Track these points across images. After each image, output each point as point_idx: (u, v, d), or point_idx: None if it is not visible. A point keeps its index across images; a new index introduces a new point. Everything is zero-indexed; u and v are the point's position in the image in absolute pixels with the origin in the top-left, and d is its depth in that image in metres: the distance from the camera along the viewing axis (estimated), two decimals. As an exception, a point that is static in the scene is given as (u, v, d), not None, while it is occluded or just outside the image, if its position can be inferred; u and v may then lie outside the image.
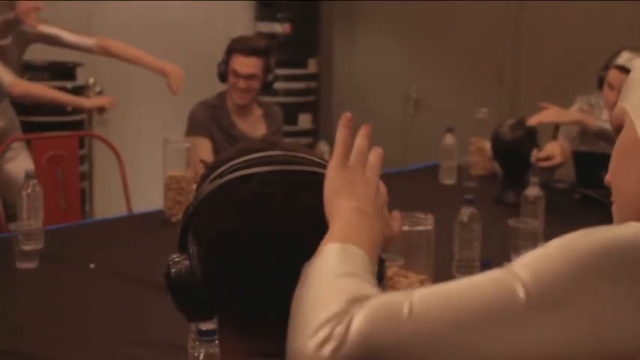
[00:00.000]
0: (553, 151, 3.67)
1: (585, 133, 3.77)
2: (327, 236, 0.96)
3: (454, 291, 0.85)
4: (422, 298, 0.85)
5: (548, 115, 3.66)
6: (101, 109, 3.73)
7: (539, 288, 0.84)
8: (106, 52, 3.87)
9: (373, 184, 1.02)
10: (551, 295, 0.84)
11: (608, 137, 3.59)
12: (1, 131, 3.81)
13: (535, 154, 3.57)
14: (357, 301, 0.85)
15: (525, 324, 0.83)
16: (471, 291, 0.85)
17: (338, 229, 0.96)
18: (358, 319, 0.83)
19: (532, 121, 3.61)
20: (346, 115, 1.04)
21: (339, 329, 0.83)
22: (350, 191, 1.00)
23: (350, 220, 0.97)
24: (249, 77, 3.64)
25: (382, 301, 0.85)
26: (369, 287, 0.88)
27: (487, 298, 0.84)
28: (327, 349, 0.82)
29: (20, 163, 3.71)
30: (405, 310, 0.83)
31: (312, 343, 0.83)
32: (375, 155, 1.04)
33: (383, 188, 1.04)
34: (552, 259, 0.86)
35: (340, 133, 1.03)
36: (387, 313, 0.83)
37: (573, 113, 3.70)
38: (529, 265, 0.86)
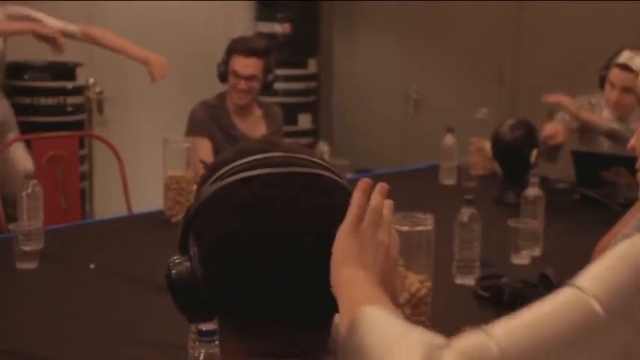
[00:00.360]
0: (555, 129, 3.69)
1: (585, 133, 3.78)
2: (348, 306, 0.94)
3: (534, 322, 0.86)
4: (506, 335, 0.85)
5: (566, 99, 3.68)
6: (50, 41, 3.65)
7: (614, 299, 0.84)
8: (90, 39, 3.85)
9: (383, 247, 1.01)
10: (628, 303, 0.84)
11: (617, 137, 3.60)
12: None
13: (542, 134, 3.60)
14: (436, 349, 0.84)
15: (610, 337, 0.83)
16: (551, 318, 0.85)
17: (358, 297, 0.94)
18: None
19: (550, 98, 3.65)
20: (365, 181, 1.02)
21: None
22: (358, 259, 0.98)
23: (364, 287, 0.96)
24: (249, 78, 3.64)
25: (467, 344, 0.85)
26: (436, 336, 0.87)
27: (569, 322, 0.84)
28: None
29: (18, 153, 3.74)
30: (494, 349, 0.84)
31: None
32: (387, 210, 1.03)
33: (395, 242, 1.03)
34: (617, 269, 0.86)
35: (356, 196, 1.01)
36: (478, 356, 0.83)
37: (585, 112, 3.71)
38: (596, 278, 0.86)
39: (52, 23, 3.79)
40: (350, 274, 0.97)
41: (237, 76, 3.64)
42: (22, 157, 3.79)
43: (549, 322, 0.85)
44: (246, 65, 3.63)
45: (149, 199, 3.73)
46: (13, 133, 3.91)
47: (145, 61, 3.76)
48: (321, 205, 1.00)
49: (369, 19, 6.31)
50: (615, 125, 3.61)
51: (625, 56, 3.54)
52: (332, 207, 1.01)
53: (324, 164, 1.05)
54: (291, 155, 1.03)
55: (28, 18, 3.77)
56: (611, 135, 3.62)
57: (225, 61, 3.69)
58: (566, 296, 0.87)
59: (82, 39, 3.85)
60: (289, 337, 1.02)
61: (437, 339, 0.86)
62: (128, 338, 2.09)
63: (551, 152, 3.73)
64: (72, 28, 3.81)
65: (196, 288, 1.01)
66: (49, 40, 3.62)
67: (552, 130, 3.68)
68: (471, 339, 0.86)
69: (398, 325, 0.89)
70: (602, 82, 3.67)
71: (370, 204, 1.01)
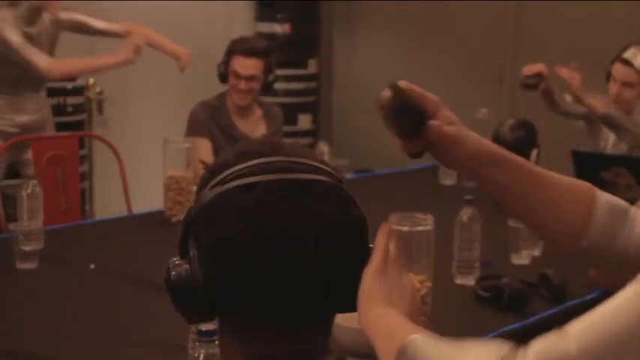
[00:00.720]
0: (537, 68, 3.73)
1: (590, 125, 3.79)
2: (389, 339, 0.98)
3: (606, 317, 0.88)
4: (579, 334, 0.87)
5: (576, 81, 3.68)
6: (137, 52, 3.71)
7: None
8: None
9: (408, 289, 1.05)
10: None
11: (613, 122, 3.61)
12: (37, 125, 3.83)
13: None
14: (509, 354, 0.87)
15: None
16: (622, 312, 0.87)
17: (399, 328, 0.99)
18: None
19: (562, 71, 3.67)
20: (387, 226, 1.06)
21: None
22: (387, 299, 1.02)
23: (402, 320, 1.00)
24: (249, 78, 3.64)
25: (544, 345, 0.87)
26: (499, 344, 0.90)
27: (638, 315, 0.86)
28: None
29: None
30: (572, 347, 0.86)
31: None
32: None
33: (415, 288, 1.08)
34: None
35: (380, 240, 1.05)
36: (558, 356, 0.86)
37: (589, 97, 3.70)
38: None
39: (98, 24, 3.87)
40: (381, 312, 1.01)
41: (238, 76, 3.64)
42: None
43: (621, 318, 0.87)
44: (246, 66, 3.63)
45: (149, 199, 3.73)
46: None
47: (175, 55, 3.81)
48: (322, 210, 1.00)
49: (369, 19, 6.31)
50: (613, 111, 3.61)
51: (629, 52, 3.57)
52: (333, 211, 1.01)
53: (325, 168, 1.04)
54: (291, 160, 1.03)
55: (75, 23, 3.83)
56: (607, 120, 3.62)
57: (226, 62, 3.69)
58: (634, 291, 0.88)
59: (127, 36, 3.88)
60: (290, 338, 1.02)
61: (503, 346, 0.89)
62: (128, 338, 2.09)
63: (529, 79, 3.76)
64: (116, 27, 3.88)
65: (196, 290, 1.01)
66: (136, 54, 3.69)
67: (531, 68, 3.74)
68: (547, 340, 0.88)
69: (455, 345, 0.93)
70: (608, 76, 3.68)
71: (392, 249, 1.05)
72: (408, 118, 1.13)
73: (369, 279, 1.02)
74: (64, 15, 3.82)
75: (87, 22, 3.86)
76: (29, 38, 3.64)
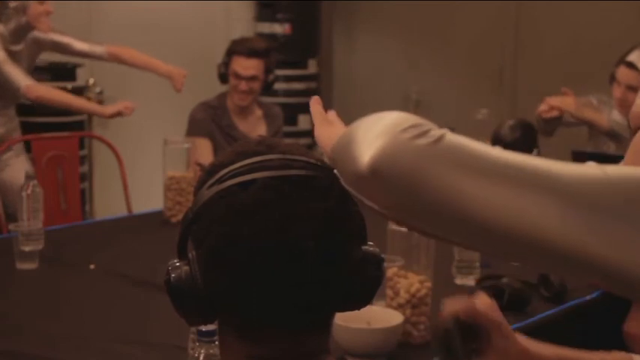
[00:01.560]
0: (549, 104, 3.71)
1: (593, 131, 3.78)
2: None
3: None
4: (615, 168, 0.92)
5: (567, 103, 3.67)
6: (118, 114, 3.71)
7: None
8: (117, 59, 3.91)
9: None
10: None
11: (619, 138, 3.59)
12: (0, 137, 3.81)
13: (538, 109, 3.62)
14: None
15: None
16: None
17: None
18: (455, 135, 0.91)
19: (552, 101, 3.65)
20: (314, 98, 1.16)
21: (435, 131, 0.90)
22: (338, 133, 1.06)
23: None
24: (250, 79, 3.65)
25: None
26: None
27: None
28: (425, 140, 0.89)
29: (16, 168, 3.71)
30: (600, 172, 0.90)
31: (403, 136, 0.89)
32: None
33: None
34: None
35: (313, 109, 1.14)
36: (593, 173, 0.90)
37: (589, 112, 3.70)
38: None
39: (79, 46, 3.85)
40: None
41: (238, 77, 3.64)
42: (22, 170, 3.79)
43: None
44: (246, 66, 3.63)
45: (149, 199, 3.73)
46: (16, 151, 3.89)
47: (169, 75, 3.81)
48: (320, 206, 1.00)
49: (369, 19, 6.31)
50: (617, 127, 3.60)
51: (634, 55, 3.54)
52: (331, 208, 1.01)
53: (322, 165, 1.05)
54: (288, 157, 1.03)
55: (54, 43, 3.81)
56: (612, 135, 3.62)
57: (226, 63, 3.70)
58: None
59: (109, 59, 3.92)
60: (290, 338, 1.02)
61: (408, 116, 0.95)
62: (128, 338, 2.09)
63: (548, 125, 3.74)
64: (98, 50, 3.88)
65: (195, 292, 1.01)
66: (115, 116, 3.69)
67: (546, 105, 3.70)
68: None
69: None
70: (612, 79, 3.66)
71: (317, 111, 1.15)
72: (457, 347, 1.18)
73: (320, 129, 1.09)
74: (54, 36, 3.80)
75: (68, 43, 3.84)
76: (12, 56, 3.63)
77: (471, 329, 1.18)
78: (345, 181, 0.96)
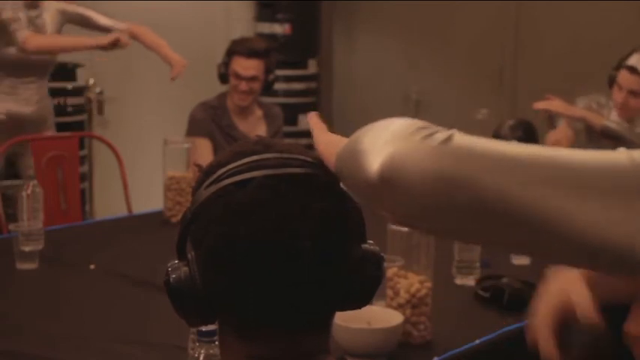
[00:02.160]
0: (558, 137, 3.69)
1: (592, 131, 3.78)
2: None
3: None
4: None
5: (555, 104, 3.67)
6: (115, 43, 3.68)
7: None
8: (134, 37, 3.91)
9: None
10: None
11: (612, 136, 3.59)
12: (36, 118, 3.87)
13: (546, 143, 3.60)
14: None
15: None
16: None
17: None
18: (464, 135, 0.89)
19: (539, 105, 3.63)
20: (312, 114, 1.14)
21: (443, 133, 0.89)
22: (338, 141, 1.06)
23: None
24: (250, 79, 3.65)
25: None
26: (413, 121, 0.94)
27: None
28: (437, 138, 0.88)
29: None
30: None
31: (413, 138, 0.88)
32: None
33: None
34: None
35: (312, 122, 1.11)
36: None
37: (579, 109, 3.69)
38: None
39: (103, 21, 3.89)
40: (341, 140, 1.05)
41: (239, 77, 3.64)
42: None
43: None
44: (247, 67, 3.63)
45: (149, 199, 3.73)
46: (50, 132, 3.98)
47: (170, 62, 3.79)
48: (318, 204, 1.00)
49: (369, 19, 6.31)
50: (610, 124, 3.59)
51: (635, 58, 3.51)
52: (327, 206, 1.01)
53: (320, 164, 1.05)
54: (286, 156, 1.03)
55: (80, 16, 3.87)
56: (606, 132, 3.61)
57: (226, 63, 3.70)
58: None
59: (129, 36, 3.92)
60: (288, 339, 1.02)
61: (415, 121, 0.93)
62: (128, 338, 2.09)
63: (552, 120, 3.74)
64: (120, 26, 3.89)
65: (195, 292, 1.01)
66: (112, 45, 3.66)
67: (554, 138, 3.68)
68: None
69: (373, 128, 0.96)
70: (611, 82, 3.64)
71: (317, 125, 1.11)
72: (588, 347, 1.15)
73: (321, 136, 1.07)
74: (70, 7, 3.87)
75: (92, 17, 3.89)
76: (31, 22, 3.70)
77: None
78: (355, 192, 0.95)
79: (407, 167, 0.88)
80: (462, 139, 0.89)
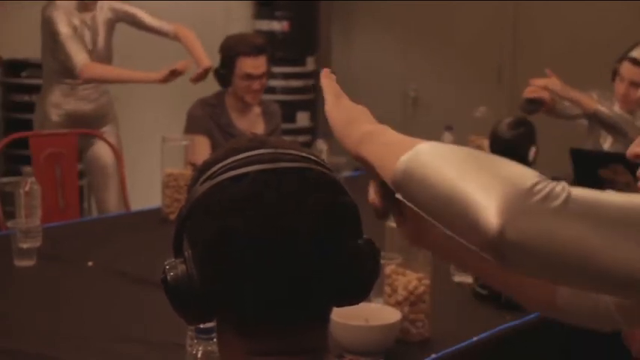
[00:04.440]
0: (541, 86, 3.72)
1: (592, 126, 3.78)
2: (392, 150, 0.98)
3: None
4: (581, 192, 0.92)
5: (552, 82, 3.68)
6: (169, 79, 3.70)
7: None
8: (177, 39, 3.99)
9: (362, 108, 1.12)
10: None
11: (603, 121, 3.60)
12: (96, 115, 3.95)
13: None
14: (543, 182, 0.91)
15: None
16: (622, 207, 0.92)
17: (398, 140, 1.01)
18: (575, 189, 0.90)
19: (538, 82, 3.65)
20: (325, 70, 1.16)
21: (559, 188, 0.89)
22: (359, 118, 1.09)
23: (394, 133, 1.04)
24: (261, 76, 3.65)
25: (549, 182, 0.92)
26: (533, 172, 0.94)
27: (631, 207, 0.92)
28: (555, 202, 0.88)
29: (104, 146, 3.91)
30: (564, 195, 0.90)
31: (532, 200, 0.88)
32: None
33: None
34: None
35: (325, 83, 1.15)
36: (550, 190, 0.90)
37: (574, 91, 3.70)
38: None
39: (149, 21, 3.97)
40: (367, 129, 1.06)
41: (251, 77, 3.63)
42: (105, 151, 3.94)
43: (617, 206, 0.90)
44: (257, 65, 3.63)
45: (147, 196, 3.73)
46: (109, 127, 4.04)
47: (199, 63, 3.83)
48: (313, 198, 1.00)
49: (368, 16, 6.31)
50: (603, 109, 3.60)
51: (638, 51, 3.54)
52: (322, 200, 1.01)
53: (313, 158, 1.05)
54: (280, 151, 1.03)
55: (131, 15, 3.95)
56: (597, 117, 3.61)
57: (229, 65, 3.65)
58: None
59: (173, 38, 4.00)
60: (287, 335, 1.02)
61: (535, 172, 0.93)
62: (126, 336, 2.09)
63: (530, 105, 3.75)
64: (167, 27, 3.99)
65: (193, 290, 1.01)
66: (167, 79, 3.68)
67: (542, 83, 3.72)
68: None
69: (482, 156, 0.96)
70: (614, 75, 3.66)
71: (329, 86, 1.15)
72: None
73: (333, 111, 1.09)
74: (120, 6, 3.93)
75: (141, 16, 3.96)
76: (83, 25, 3.77)
77: None
78: (457, 234, 0.94)
79: (528, 231, 0.88)
80: (578, 197, 0.90)
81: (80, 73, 3.67)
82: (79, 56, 3.66)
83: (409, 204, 0.96)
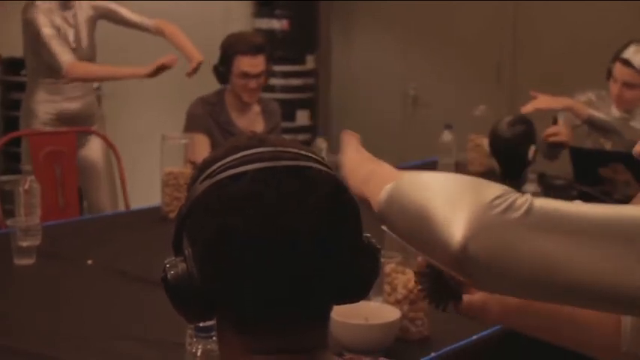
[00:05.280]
0: (559, 129, 3.70)
1: (592, 128, 3.78)
2: (382, 181, 1.03)
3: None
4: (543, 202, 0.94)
5: (540, 101, 3.68)
6: (157, 73, 3.69)
7: None
8: (160, 34, 3.98)
9: (384, 164, 1.14)
10: None
11: (597, 125, 3.61)
12: (82, 115, 3.93)
13: (545, 133, 3.61)
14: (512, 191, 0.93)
15: None
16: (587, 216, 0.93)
17: (389, 173, 1.07)
18: (539, 199, 0.91)
19: (526, 108, 3.65)
20: (345, 131, 1.20)
21: (521, 200, 0.90)
22: (371, 160, 1.14)
23: (391, 168, 1.09)
24: (258, 75, 3.65)
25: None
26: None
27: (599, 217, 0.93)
28: (515, 214, 0.89)
29: (94, 145, 3.91)
30: (527, 204, 0.92)
31: (492, 212, 0.89)
32: None
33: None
34: None
35: (347, 137, 1.19)
36: (513, 201, 0.92)
37: (564, 99, 3.70)
38: None
39: (130, 16, 3.96)
40: (372, 167, 1.10)
41: (248, 76, 3.63)
42: (95, 151, 3.96)
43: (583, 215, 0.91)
44: (255, 64, 3.63)
45: (147, 195, 3.73)
46: (96, 127, 4.04)
47: (189, 58, 3.82)
48: (313, 196, 1.00)
49: (367, 15, 6.31)
50: (596, 113, 3.60)
51: (630, 51, 3.54)
52: (322, 199, 1.01)
53: (313, 156, 1.04)
54: (280, 149, 1.03)
55: (112, 11, 3.94)
56: (591, 122, 3.61)
57: (226, 63, 3.66)
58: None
59: (155, 33, 3.99)
60: (287, 334, 1.02)
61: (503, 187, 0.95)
62: (125, 334, 2.09)
63: (551, 150, 3.74)
64: (148, 22, 3.97)
65: (193, 288, 1.01)
66: (155, 73, 3.68)
67: (554, 129, 3.69)
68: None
69: (449, 177, 0.98)
70: (608, 75, 3.66)
71: (352, 143, 1.19)
72: (440, 289, 1.22)
73: (355, 164, 1.12)
74: (101, 2, 3.93)
75: (122, 13, 3.95)
76: (65, 23, 3.76)
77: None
78: (428, 254, 0.97)
79: (489, 242, 0.89)
80: (540, 208, 0.91)
81: (66, 73, 3.66)
82: (64, 56, 3.65)
83: (392, 233, 1.00)
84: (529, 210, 0.90)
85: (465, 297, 1.21)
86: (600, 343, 1.23)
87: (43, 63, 3.75)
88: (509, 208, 0.90)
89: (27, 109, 3.89)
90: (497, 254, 0.89)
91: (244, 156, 1.01)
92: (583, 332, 1.23)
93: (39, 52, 3.71)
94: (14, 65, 4.83)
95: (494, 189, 0.92)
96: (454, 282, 1.20)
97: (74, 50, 3.78)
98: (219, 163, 1.02)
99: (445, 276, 1.21)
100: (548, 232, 0.89)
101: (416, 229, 0.95)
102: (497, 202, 0.90)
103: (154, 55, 3.86)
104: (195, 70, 3.76)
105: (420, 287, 1.22)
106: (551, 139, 3.68)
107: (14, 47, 4.35)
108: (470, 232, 0.89)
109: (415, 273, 1.21)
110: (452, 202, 0.92)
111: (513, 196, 0.91)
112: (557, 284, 0.90)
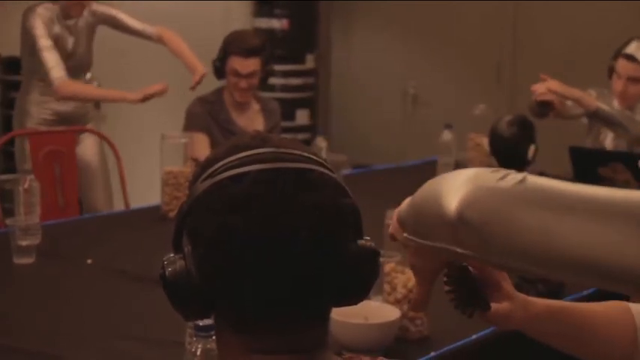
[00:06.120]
0: (547, 85, 3.70)
1: (592, 125, 3.79)
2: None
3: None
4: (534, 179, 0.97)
5: (553, 83, 3.68)
6: (145, 100, 3.70)
7: None
8: (162, 43, 3.97)
9: None
10: None
11: (604, 118, 3.61)
12: (77, 114, 3.93)
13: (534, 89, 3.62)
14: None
15: None
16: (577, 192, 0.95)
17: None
18: (534, 176, 0.94)
19: (538, 87, 3.65)
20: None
21: (518, 174, 0.94)
22: None
23: None
24: (249, 75, 3.64)
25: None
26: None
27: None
28: (511, 181, 0.93)
29: (88, 145, 3.91)
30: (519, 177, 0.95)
31: (488, 180, 0.94)
32: None
33: None
34: None
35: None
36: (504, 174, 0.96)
37: (574, 89, 3.70)
38: None
39: (132, 23, 3.95)
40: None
41: (238, 75, 3.63)
42: (94, 146, 3.97)
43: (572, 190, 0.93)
44: (246, 65, 3.62)
45: (146, 194, 3.73)
46: (90, 126, 4.04)
47: (192, 70, 3.81)
48: (313, 198, 1.00)
49: (367, 14, 6.31)
50: (604, 106, 3.60)
51: (632, 47, 3.55)
52: (323, 201, 1.01)
53: (315, 158, 1.04)
54: (282, 151, 1.02)
55: (112, 17, 3.93)
56: (598, 115, 3.61)
57: (222, 59, 3.68)
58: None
59: (156, 41, 3.98)
60: (286, 334, 1.02)
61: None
62: (125, 333, 2.09)
63: (541, 109, 3.75)
64: (149, 30, 3.96)
65: (191, 286, 1.01)
66: (143, 101, 3.69)
67: (543, 87, 3.70)
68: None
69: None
70: (610, 72, 3.67)
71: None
72: (469, 295, 1.22)
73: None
74: (101, 8, 3.91)
75: (123, 19, 3.94)
76: (65, 31, 3.76)
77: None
78: (432, 233, 1.00)
79: (482, 206, 0.93)
80: (533, 182, 0.94)
81: (56, 90, 3.65)
82: (57, 73, 3.63)
83: (412, 237, 1.05)
84: (523, 180, 0.94)
85: (493, 305, 1.22)
86: (620, 355, 1.24)
87: (39, 64, 3.74)
88: (505, 177, 0.94)
89: (20, 109, 3.88)
90: (489, 219, 0.93)
91: (246, 156, 1.01)
92: (605, 345, 1.25)
93: (35, 55, 3.71)
94: (14, 65, 4.82)
95: (493, 168, 0.97)
96: (483, 292, 1.21)
97: (70, 55, 3.76)
98: (221, 163, 1.02)
99: (475, 283, 1.22)
100: (539, 201, 0.92)
101: (424, 206, 1.01)
102: (494, 174, 0.95)
103: (153, 59, 3.88)
104: (198, 83, 3.75)
105: (447, 289, 1.22)
106: (540, 97, 3.69)
107: (14, 47, 4.34)
108: (466, 199, 0.94)
109: (445, 276, 1.22)
110: (454, 177, 0.98)
111: (509, 171, 0.96)
112: (546, 254, 0.92)
